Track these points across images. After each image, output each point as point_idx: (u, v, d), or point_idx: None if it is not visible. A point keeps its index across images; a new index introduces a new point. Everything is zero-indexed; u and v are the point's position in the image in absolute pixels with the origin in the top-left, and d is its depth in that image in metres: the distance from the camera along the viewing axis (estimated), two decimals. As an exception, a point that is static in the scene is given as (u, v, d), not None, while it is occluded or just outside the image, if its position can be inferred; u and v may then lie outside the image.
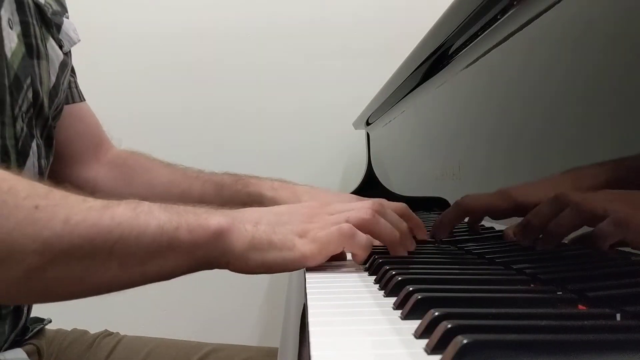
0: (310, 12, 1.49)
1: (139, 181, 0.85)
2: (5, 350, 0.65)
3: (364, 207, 0.55)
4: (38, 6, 0.67)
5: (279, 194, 0.79)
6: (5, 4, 0.61)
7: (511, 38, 0.57)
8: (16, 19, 0.63)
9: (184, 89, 1.49)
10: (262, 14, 1.49)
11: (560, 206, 0.45)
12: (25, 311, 0.68)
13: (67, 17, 0.75)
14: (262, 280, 1.49)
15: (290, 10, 1.49)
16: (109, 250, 0.43)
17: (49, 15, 0.69)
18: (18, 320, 0.67)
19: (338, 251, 0.53)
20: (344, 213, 0.54)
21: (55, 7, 0.72)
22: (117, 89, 1.46)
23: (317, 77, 1.49)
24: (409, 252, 0.57)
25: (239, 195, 0.80)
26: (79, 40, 0.76)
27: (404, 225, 0.58)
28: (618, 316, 0.33)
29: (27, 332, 0.71)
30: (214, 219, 0.48)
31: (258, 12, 1.49)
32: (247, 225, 0.49)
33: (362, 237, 0.53)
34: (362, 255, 0.53)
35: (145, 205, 0.46)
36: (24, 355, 0.67)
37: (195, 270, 0.48)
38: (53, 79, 0.69)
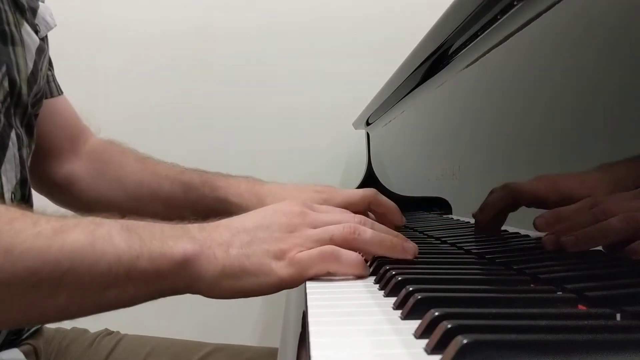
0: (310, 11, 1.49)
1: (111, 177, 0.84)
2: (1, 350, 0.64)
3: (345, 219, 0.51)
4: None
5: (244, 199, 0.77)
6: None
7: (511, 38, 0.57)
8: None
9: (182, 87, 1.49)
10: (261, 13, 1.49)
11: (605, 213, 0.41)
12: None
13: (43, 1, 0.74)
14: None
15: (290, 9, 1.49)
16: (56, 281, 0.40)
17: (22, 0, 0.68)
18: None
19: (322, 274, 0.48)
20: (327, 228, 0.49)
21: None
22: (114, 86, 1.46)
23: (317, 77, 1.49)
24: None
25: (205, 200, 0.79)
26: (55, 25, 0.75)
27: (393, 233, 0.54)
28: (618, 316, 0.33)
29: (23, 331, 0.71)
30: (179, 245, 0.44)
31: (257, 11, 1.49)
32: (216, 251, 0.46)
33: (350, 255, 0.48)
34: (357, 273, 0.49)
35: (105, 227, 0.43)
36: (21, 356, 0.66)
37: (159, 297, 0.46)
38: (30, 65, 0.68)
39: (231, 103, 1.49)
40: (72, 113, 0.87)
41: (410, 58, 0.82)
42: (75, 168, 0.84)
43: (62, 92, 0.85)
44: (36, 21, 0.71)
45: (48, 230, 0.41)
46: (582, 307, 0.36)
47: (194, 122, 1.49)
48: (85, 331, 0.81)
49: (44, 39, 0.73)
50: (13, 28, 0.65)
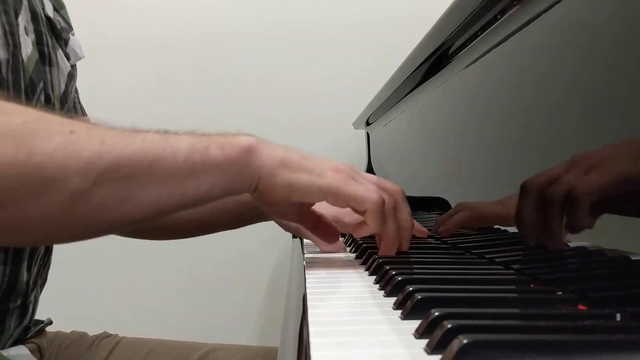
0: (310, 12, 1.49)
1: None
2: (8, 347, 0.65)
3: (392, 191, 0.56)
4: (49, 19, 0.71)
5: None
6: (22, 13, 0.64)
7: (511, 38, 0.57)
8: (31, 27, 0.65)
9: (184, 93, 1.49)
10: (261, 15, 1.49)
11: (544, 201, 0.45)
12: (30, 309, 0.68)
13: (73, 35, 0.78)
14: (262, 280, 1.49)
15: (290, 11, 1.49)
16: (147, 168, 0.43)
17: (58, 28, 0.73)
18: (24, 317, 0.67)
19: (360, 207, 0.52)
20: (385, 181, 0.55)
21: (63, 23, 0.75)
22: (119, 94, 1.46)
23: (317, 77, 1.49)
24: (409, 252, 0.58)
25: None
26: (84, 57, 0.79)
27: (411, 224, 0.58)
28: (618, 316, 0.33)
29: (29, 331, 0.71)
30: (242, 137, 0.49)
31: (257, 13, 1.49)
32: (277, 148, 0.51)
33: (381, 217, 0.53)
34: (371, 231, 0.54)
35: (172, 132, 0.47)
36: (27, 352, 0.67)
37: (230, 192, 0.49)
38: (63, 86, 0.72)
39: (231, 103, 1.49)
40: None
41: (410, 58, 0.82)
42: None
43: (86, 114, 0.88)
44: (67, 51, 0.75)
45: (127, 130, 0.45)
46: (582, 307, 0.36)
47: (195, 124, 1.49)
48: (84, 334, 0.82)
49: (73, 67, 0.77)
50: (51, 50, 0.69)
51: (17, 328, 0.66)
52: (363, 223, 0.55)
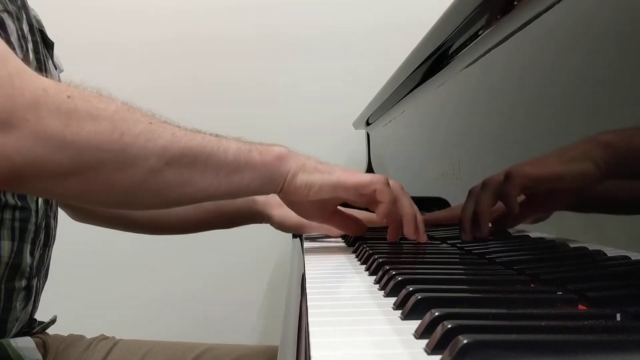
0: (310, 13, 1.48)
1: None
2: (15, 336, 0.67)
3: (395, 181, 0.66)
4: (41, 32, 0.75)
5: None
6: (24, 23, 0.68)
7: (511, 38, 0.57)
8: (29, 37, 0.70)
9: (183, 95, 1.48)
10: (261, 17, 1.49)
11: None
12: (33, 295, 0.70)
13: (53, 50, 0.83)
14: (262, 279, 1.49)
15: (290, 12, 1.49)
16: (205, 160, 0.54)
17: (49, 40, 0.77)
18: (28, 300, 0.68)
19: (369, 190, 0.62)
20: (383, 175, 0.65)
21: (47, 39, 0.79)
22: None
23: (317, 77, 1.49)
24: (409, 252, 0.58)
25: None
26: (63, 70, 0.84)
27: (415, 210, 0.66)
28: (618, 316, 0.33)
29: (34, 324, 0.73)
30: (275, 147, 0.61)
31: (257, 15, 1.49)
32: (300, 156, 0.62)
33: (390, 191, 0.62)
34: (387, 206, 0.62)
35: (222, 136, 0.57)
36: (33, 345, 0.68)
37: (263, 190, 0.60)
38: None
39: (231, 104, 1.49)
40: None
41: (411, 58, 0.82)
42: None
43: None
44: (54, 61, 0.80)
45: (188, 129, 0.54)
46: (582, 307, 0.36)
47: (195, 124, 1.49)
48: (82, 337, 0.82)
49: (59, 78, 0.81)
50: (45, 59, 0.74)
51: (22, 311, 0.68)
52: (378, 202, 0.63)
